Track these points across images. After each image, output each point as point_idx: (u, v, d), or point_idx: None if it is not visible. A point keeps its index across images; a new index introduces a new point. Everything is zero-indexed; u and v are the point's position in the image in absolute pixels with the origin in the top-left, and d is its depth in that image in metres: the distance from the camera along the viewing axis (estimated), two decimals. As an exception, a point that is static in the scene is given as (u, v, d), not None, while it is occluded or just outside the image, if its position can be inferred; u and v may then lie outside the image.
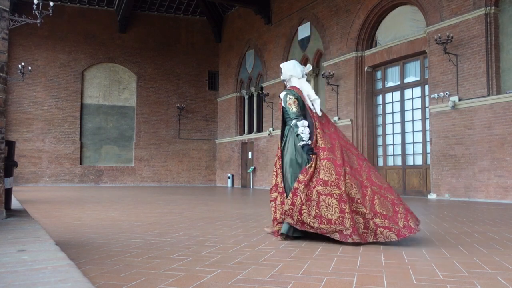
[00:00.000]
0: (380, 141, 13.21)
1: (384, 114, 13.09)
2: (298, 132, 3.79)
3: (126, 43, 20.70)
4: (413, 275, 2.49)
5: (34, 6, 11.97)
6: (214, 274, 2.46)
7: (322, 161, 3.68)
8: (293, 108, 3.86)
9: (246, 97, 19.89)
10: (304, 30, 15.98)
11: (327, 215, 3.51)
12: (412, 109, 12.18)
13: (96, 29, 20.25)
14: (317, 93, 15.50)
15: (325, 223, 3.50)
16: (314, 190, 3.60)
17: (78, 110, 19.78)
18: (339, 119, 13.79)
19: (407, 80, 12.45)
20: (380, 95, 13.26)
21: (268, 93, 17.42)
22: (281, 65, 4.26)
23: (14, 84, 18.34)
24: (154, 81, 21.10)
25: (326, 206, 3.53)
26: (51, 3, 12.51)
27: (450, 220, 5.66)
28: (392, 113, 12.80)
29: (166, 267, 2.63)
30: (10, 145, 5.12)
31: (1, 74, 3.93)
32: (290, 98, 3.90)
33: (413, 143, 12.10)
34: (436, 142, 10.85)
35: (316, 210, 3.54)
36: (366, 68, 13.39)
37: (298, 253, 3.15)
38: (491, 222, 5.43)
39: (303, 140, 3.76)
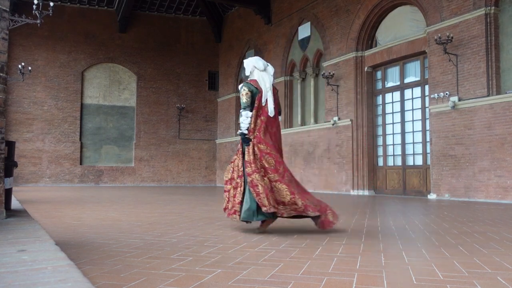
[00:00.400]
0: (380, 141, 13.22)
1: (384, 114, 13.09)
2: (240, 121, 4.15)
3: (126, 43, 20.70)
4: (413, 275, 2.49)
5: (34, 6, 11.98)
6: (214, 274, 2.46)
7: (264, 154, 4.04)
8: (243, 99, 4.16)
9: (246, 97, 19.88)
10: (304, 30, 15.98)
11: (281, 199, 3.93)
12: (412, 109, 12.18)
13: (96, 29, 20.25)
14: (317, 93, 15.52)
15: (282, 205, 3.91)
16: (265, 179, 3.97)
17: (78, 110, 19.78)
18: (339, 119, 13.80)
19: (407, 80, 12.45)
20: (380, 95, 13.27)
21: (268, 93, 17.41)
22: (244, 61, 4.54)
23: (14, 84, 18.34)
24: (154, 81, 21.10)
25: (278, 191, 3.94)
26: (51, 3, 12.51)
27: (450, 220, 5.66)
28: (392, 113, 12.80)
29: (166, 267, 2.63)
30: (10, 145, 5.12)
31: (1, 74, 3.93)
32: (244, 90, 4.20)
33: (413, 143, 12.10)
34: (436, 142, 10.85)
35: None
36: (366, 68, 13.40)
37: (298, 253, 3.15)
38: (491, 222, 5.44)
39: (240, 129, 4.13)
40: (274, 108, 4.27)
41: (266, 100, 4.22)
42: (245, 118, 4.09)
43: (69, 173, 19.36)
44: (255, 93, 4.18)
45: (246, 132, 4.08)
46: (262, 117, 4.14)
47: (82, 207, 7.27)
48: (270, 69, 4.47)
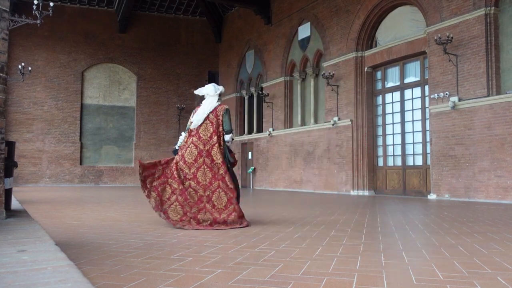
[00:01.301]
0: (380, 141, 13.21)
1: (384, 114, 13.09)
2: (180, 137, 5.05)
3: (126, 43, 20.70)
4: (413, 275, 2.49)
5: (34, 7, 11.98)
6: (214, 274, 2.46)
7: (179, 170, 4.71)
8: (188, 122, 5.04)
9: (246, 98, 19.88)
10: (304, 31, 15.98)
11: (172, 213, 4.57)
12: (412, 110, 12.18)
13: (96, 29, 20.25)
14: (317, 93, 15.52)
15: (174, 214, 4.56)
16: (167, 188, 4.65)
17: (78, 111, 19.78)
18: (339, 119, 13.80)
19: (407, 81, 12.45)
20: (380, 96, 13.26)
21: (268, 94, 17.42)
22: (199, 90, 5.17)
23: (14, 84, 18.34)
24: (154, 82, 21.10)
25: (173, 206, 4.58)
26: (51, 3, 12.52)
27: (450, 220, 5.66)
28: (392, 113, 12.80)
29: (166, 267, 2.63)
30: (10, 145, 5.12)
31: (1, 74, 3.93)
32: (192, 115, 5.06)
33: (413, 143, 12.09)
34: (436, 143, 10.85)
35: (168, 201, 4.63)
36: (366, 68, 13.39)
37: (298, 253, 3.15)
38: (491, 222, 5.44)
39: (176, 144, 5.02)
40: (211, 125, 4.84)
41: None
42: (180, 137, 5.02)
43: (69, 173, 19.36)
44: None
45: (177, 147, 4.97)
46: (193, 138, 4.83)
47: (82, 208, 7.27)
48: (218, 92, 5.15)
